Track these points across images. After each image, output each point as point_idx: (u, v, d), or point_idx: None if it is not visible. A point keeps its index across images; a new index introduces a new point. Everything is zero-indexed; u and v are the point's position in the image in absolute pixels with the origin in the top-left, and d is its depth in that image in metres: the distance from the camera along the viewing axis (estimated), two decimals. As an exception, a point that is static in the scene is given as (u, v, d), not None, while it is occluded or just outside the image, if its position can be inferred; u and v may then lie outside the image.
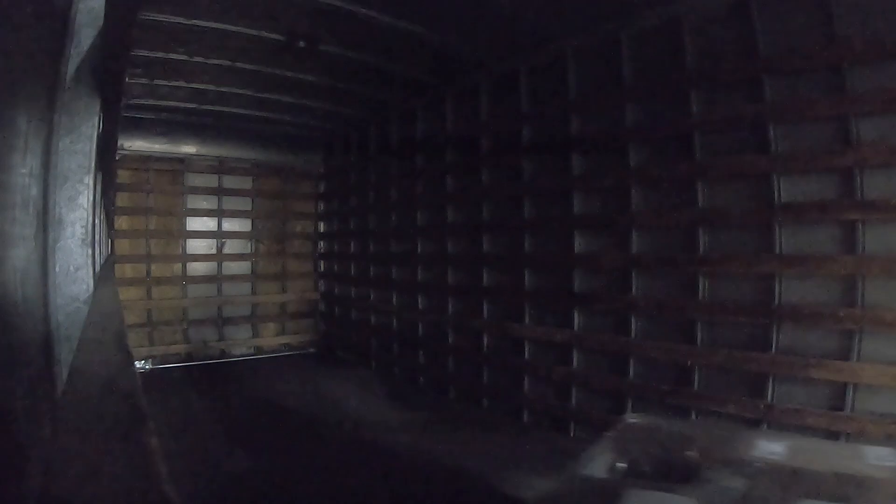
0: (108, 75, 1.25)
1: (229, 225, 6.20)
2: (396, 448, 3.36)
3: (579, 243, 3.64)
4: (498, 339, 4.22)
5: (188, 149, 5.79)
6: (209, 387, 4.95)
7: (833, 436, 2.53)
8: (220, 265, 6.13)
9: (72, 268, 1.28)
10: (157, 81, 4.32)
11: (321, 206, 6.80)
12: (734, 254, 2.92)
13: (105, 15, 1.13)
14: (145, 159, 5.62)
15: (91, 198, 1.32)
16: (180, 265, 5.93)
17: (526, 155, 3.99)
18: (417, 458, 3.20)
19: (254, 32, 3.55)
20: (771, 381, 2.75)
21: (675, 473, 1.50)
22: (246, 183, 6.28)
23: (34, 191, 0.90)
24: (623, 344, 3.34)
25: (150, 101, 4.81)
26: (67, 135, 1.24)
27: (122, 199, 5.49)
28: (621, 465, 1.64)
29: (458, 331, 4.57)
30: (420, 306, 5.00)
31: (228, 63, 4.03)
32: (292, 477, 2.92)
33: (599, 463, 1.67)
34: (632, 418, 2.07)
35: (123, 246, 5.57)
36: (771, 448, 1.63)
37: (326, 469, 3.02)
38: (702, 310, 3.02)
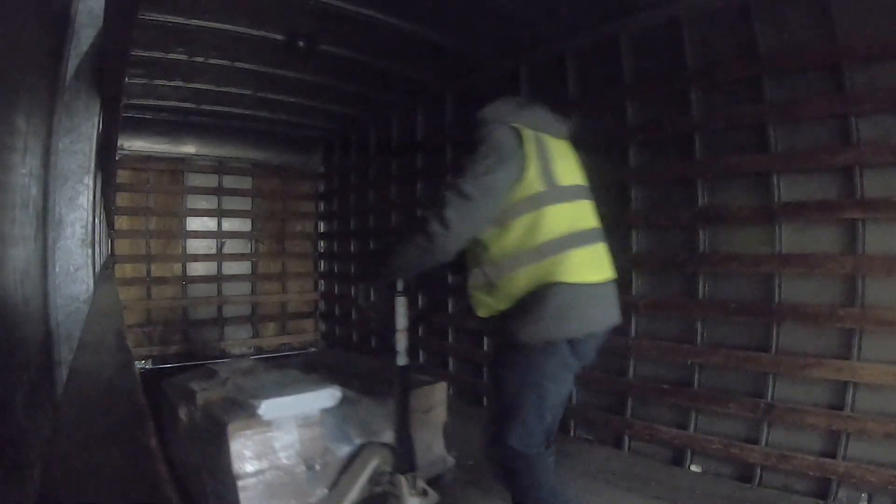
0: (107, 75, 1.25)
1: (229, 225, 6.20)
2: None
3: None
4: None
5: (188, 149, 5.78)
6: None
7: (835, 435, 2.54)
8: (220, 265, 6.13)
9: (72, 268, 1.28)
10: (156, 81, 4.32)
11: (321, 205, 6.80)
12: (734, 253, 2.92)
13: (105, 15, 1.13)
14: (145, 159, 5.61)
15: (91, 198, 1.32)
16: (180, 265, 5.93)
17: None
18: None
19: (254, 32, 3.55)
20: (771, 380, 2.75)
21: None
22: (246, 183, 6.27)
23: (34, 191, 0.90)
24: (623, 343, 3.34)
25: (150, 101, 4.81)
26: (67, 135, 1.24)
27: (121, 199, 5.49)
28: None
29: (457, 330, 4.57)
30: (420, 305, 5.00)
31: (228, 63, 4.03)
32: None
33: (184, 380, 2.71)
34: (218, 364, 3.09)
35: (123, 246, 5.57)
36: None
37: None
38: (701, 309, 3.03)
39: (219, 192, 6.09)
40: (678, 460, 3.05)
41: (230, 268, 6.19)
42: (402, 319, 2.06)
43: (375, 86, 4.68)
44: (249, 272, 6.32)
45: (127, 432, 0.48)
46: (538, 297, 1.59)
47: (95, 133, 1.31)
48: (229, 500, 2.12)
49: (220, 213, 6.11)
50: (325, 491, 2.25)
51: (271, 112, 5.35)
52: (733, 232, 2.95)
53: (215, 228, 6.10)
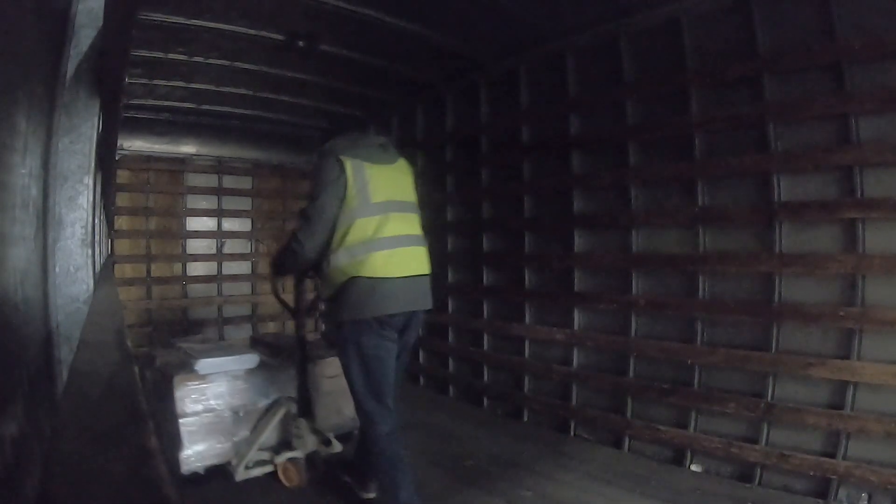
0: (107, 75, 1.25)
1: (229, 225, 6.19)
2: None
3: (579, 242, 3.64)
4: (498, 338, 4.22)
5: (188, 149, 5.77)
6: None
7: (835, 434, 2.54)
8: (220, 265, 6.12)
9: (72, 268, 1.28)
10: (156, 81, 4.32)
11: (321, 205, 6.79)
12: (734, 253, 2.92)
13: (105, 15, 1.13)
14: (145, 159, 5.60)
15: (91, 198, 1.32)
16: (180, 265, 5.92)
17: (526, 154, 4.00)
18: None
19: (254, 32, 3.55)
20: (771, 379, 2.76)
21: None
22: (246, 183, 6.27)
23: (34, 191, 0.90)
24: (623, 343, 3.35)
25: (150, 101, 4.81)
26: (67, 135, 1.24)
27: (121, 199, 5.48)
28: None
29: (458, 330, 4.57)
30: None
31: (228, 63, 4.02)
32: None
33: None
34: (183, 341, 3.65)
35: (123, 246, 5.57)
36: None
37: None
38: (701, 309, 3.03)
39: (219, 192, 6.08)
40: (678, 460, 3.06)
41: (230, 268, 6.19)
42: (302, 302, 3.13)
43: (375, 86, 4.68)
44: (249, 272, 6.32)
45: (127, 432, 0.48)
46: (348, 286, 2.18)
47: (95, 133, 1.31)
48: (175, 435, 2.72)
49: (220, 213, 6.10)
50: (247, 433, 2.94)
51: (271, 112, 5.35)
52: (733, 231, 2.95)
53: (215, 228, 6.09)
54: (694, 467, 3.00)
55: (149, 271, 5.74)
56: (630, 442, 3.29)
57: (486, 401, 4.25)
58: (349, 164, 2.21)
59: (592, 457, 3.21)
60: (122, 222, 5.53)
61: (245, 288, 6.29)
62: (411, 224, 2.35)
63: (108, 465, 0.42)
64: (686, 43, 3.05)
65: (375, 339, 2.21)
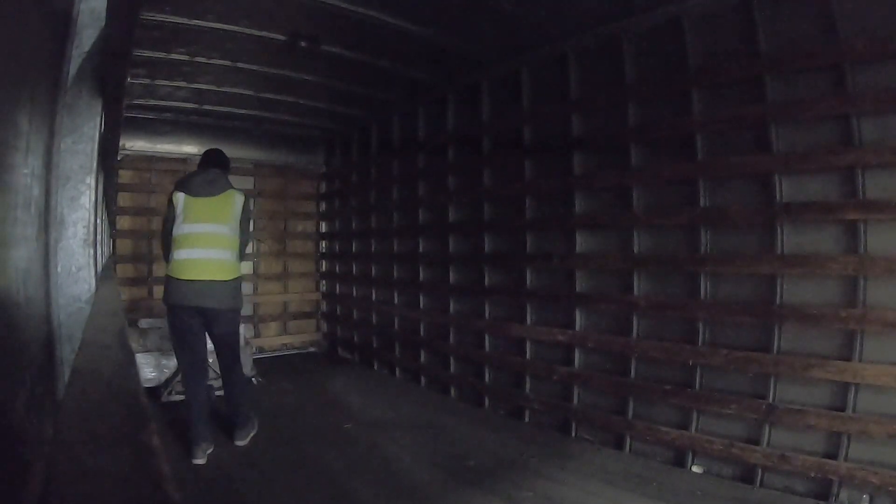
0: (109, 75, 1.25)
1: (231, 225, 6.19)
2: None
3: (580, 243, 3.64)
4: (499, 338, 4.22)
5: (189, 149, 5.78)
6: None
7: (836, 436, 2.54)
8: (221, 265, 6.12)
9: (74, 268, 1.28)
10: (158, 81, 4.32)
11: (322, 205, 6.80)
12: (735, 254, 2.92)
13: (107, 15, 1.13)
14: (147, 159, 5.62)
15: (93, 198, 1.32)
16: (182, 265, 5.92)
17: (527, 155, 3.99)
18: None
19: (255, 32, 3.55)
20: (772, 381, 2.75)
21: None
22: (247, 183, 6.26)
23: (36, 191, 0.91)
24: (624, 344, 3.34)
25: (152, 102, 4.82)
26: (69, 135, 1.24)
27: (123, 199, 5.50)
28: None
29: (459, 331, 4.57)
30: (422, 306, 5.00)
31: (230, 63, 4.03)
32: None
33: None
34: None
35: (125, 246, 5.58)
36: None
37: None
38: (703, 310, 3.02)
39: (220, 192, 6.07)
40: (680, 461, 3.05)
41: (231, 268, 6.18)
42: None
43: (376, 86, 4.68)
44: (251, 272, 6.32)
45: (129, 432, 0.48)
46: (166, 279, 3.16)
47: (97, 133, 1.32)
48: None
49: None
50: (171, 369, 4.27)
51: (273, 112, 5.35)
52: (735, 232, 2.94)
53: (216, 228, 6.08)
54: (695, 468, 2.99)
55: (150, 271, 5.75)
56: (631, 443, 3.29)
57: (487, 401, 4.24)
58: (175, 197, 3.15)
59: (594, 457, 3.21)
60: (124, 222, 5.54)
61: (246, 288, 6.27)
62: (213, 241, 3.11)
63: (109, 465, 0.42)
64: (688, 43, 3.05)
65: (176, 319, 3.14)
